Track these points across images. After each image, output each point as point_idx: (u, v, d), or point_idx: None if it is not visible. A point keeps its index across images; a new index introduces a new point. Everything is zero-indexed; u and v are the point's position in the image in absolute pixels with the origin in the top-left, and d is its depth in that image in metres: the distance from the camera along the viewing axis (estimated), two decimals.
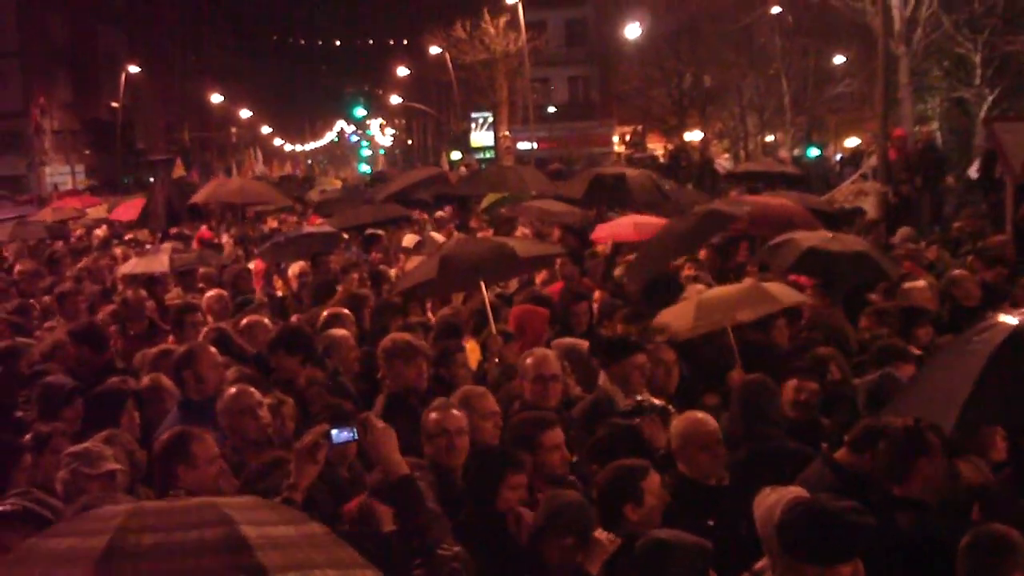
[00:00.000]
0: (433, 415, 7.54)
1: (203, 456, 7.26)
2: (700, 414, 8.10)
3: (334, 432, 5.92)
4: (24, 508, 6.62)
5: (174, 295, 15.87)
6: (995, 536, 6.18)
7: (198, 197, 26.13)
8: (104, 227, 27.03)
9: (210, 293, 14.80)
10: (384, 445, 5.95)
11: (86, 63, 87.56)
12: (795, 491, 6.53)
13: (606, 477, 7.14)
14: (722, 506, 7.50)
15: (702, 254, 15.89)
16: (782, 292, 11.19)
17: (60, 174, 72.33)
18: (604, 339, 10.97)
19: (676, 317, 10.96)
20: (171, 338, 12.55)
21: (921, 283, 13.35)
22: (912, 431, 7.10)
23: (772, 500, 6.38)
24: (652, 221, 17.80)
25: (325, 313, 12.54)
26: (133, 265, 16.84)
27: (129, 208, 27.76)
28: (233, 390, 8.67)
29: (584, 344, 11.12)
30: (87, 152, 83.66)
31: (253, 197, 26.25)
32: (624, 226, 17.97)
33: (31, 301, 16.26)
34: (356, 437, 5.95)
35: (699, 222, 14.34)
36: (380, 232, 21.92)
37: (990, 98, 39.92)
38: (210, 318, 13.68)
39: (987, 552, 6.10)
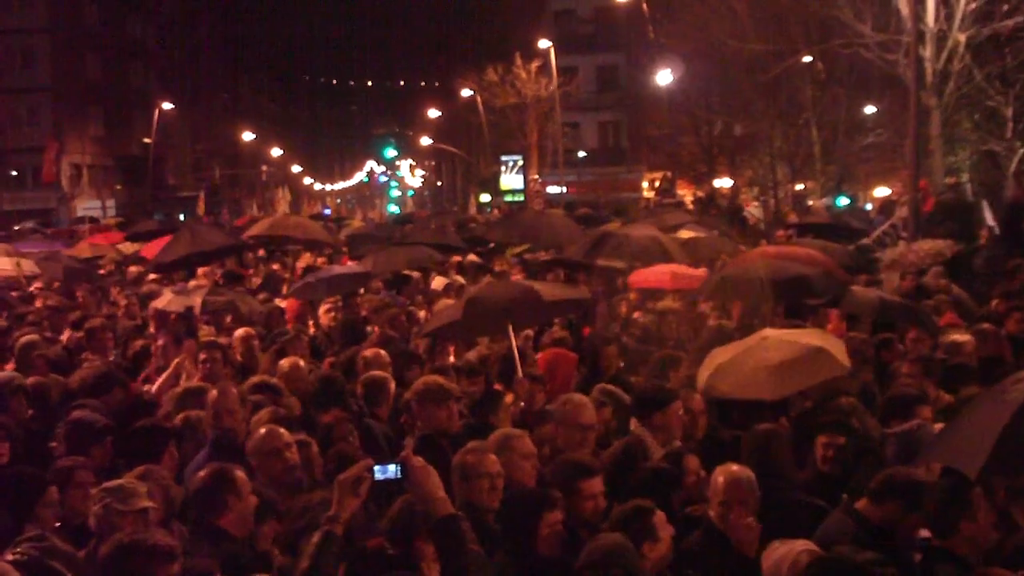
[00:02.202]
0: (471, 457, 7.61)
1: (246, 489, 7.42)
2: (736, 467, 8.10)
3: (377, 468, 5.94)
4: (30, 559, 6.69)
5: (205, 333, 15.93)
6: None
7: (255, 230, 26.21)
8: (135, 266, 27.11)
9: (238, 332, 14.87)
10: (427, 483, 5.97)
11: (118, 99, 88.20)
12: (803, 544, 6.55)
13: (618, 517, 7.19)
14: (744, 559, 7.50)
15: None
16: (842, 352, 10.73)
17: (91, 208, 72.78)
18: (642, 387, 10.95)
19: (748, 379, 10.59)
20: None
21: (968, 337, 13.31)
22: (958, 489, 7.10)
23: (780, 554, 6.41)
24: (690, 272, 17.93)
25: (369, 353, 12.60)
26: (167, 301, 16.89)
27: (158, 246, 27.80)
28: (263, 431, 8.78)
29: (626, 397, 11.05)
30: (118, 187, 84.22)
31: (310, 234, 26.42)
32: (660, 274, 18.05)
33: (60, 337, 16.38)
34: (400, 476, 5.96)
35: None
36: (414, 274, 22.01)
37: (1021, 151, 39.84)
38: (239, 356, 13.83)
39: None
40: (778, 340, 10.86)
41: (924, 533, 7.54)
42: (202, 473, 7.61)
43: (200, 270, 23.34)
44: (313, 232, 26.59)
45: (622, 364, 13.37)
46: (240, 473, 7.55)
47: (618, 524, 7.13)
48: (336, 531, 5.82)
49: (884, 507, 7.58)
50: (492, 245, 28.21)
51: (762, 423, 9.35)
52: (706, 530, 7.80)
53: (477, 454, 7.64)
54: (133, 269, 25.17)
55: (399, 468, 5.95)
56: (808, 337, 10.97)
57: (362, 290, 19.92)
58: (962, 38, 35.56)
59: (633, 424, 9.84)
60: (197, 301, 16.32)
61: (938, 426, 9.46)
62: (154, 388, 12.81)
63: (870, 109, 54.77)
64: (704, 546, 7.63)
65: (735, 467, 8.07)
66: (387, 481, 6.01)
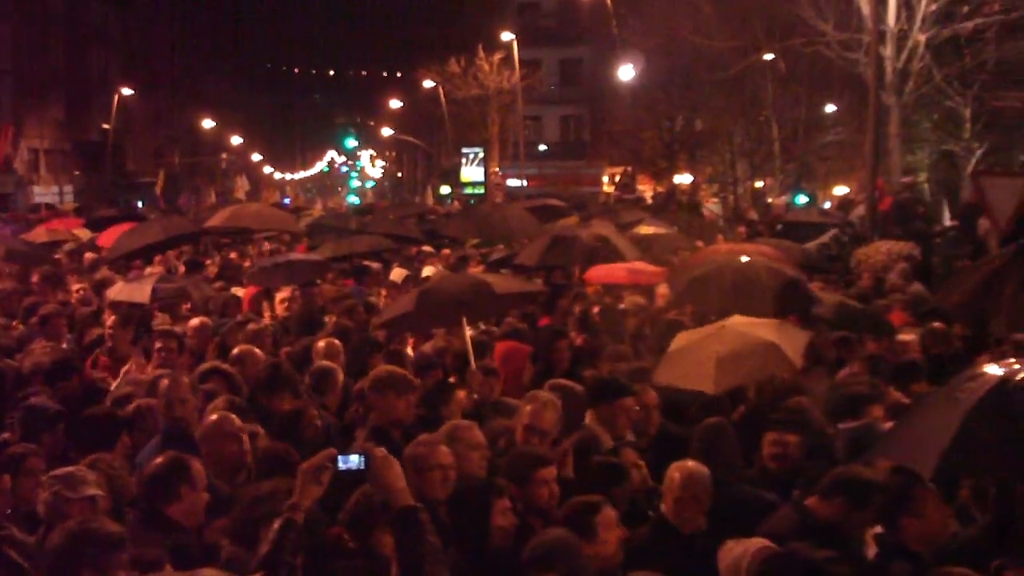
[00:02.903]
0: (422, 449, 7.61)
1: (200, 481, 7.43)
2: (692, 463, 8.15)
3: (340, 458, 5.94)
4: None
5: (160, 321, 15.85)
6: None
7: (214, 221, 26.05)
8: (91, 252, 26.88)
9: (193, 322, 14.82)
10: (388, 474, 5.97)
11: (79, 84, 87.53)
12: (759, 542, 6.59)
13: (564, 514, 7.22)
14: (695, 553, 7.54)
15: None
16: (796, 350, 10.79)
17: (49, 194, 72.23)
18: (594, 380, 10.99)
19: (693, 369, 10.67)
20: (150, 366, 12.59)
21: (913, 337, 13.48)
22: (900, 487, 7.17)
23: (738, 552, 6.44)
24: (647, 268, 18.01)
25: (321, 344, 12.57)
26: (118, 291, 16.81)
27: (114, 234, 27.54)
28: (215, 416, 8.79)
29: (579, 387, 11.10)
30: (77, 173, 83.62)
31: (271, 223, 26.25)
32: (617, 269, 18.14)
33: (14, 322, 16.27)
34: (363, 467, 5.95)
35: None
36: (374, 265, 21.99)
37: (978, 152, 40.20)
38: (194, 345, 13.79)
39: None
40: (733, 332, 10.91)
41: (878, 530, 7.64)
42: (157, 461, 7.59)
43: (156, 258, 23.22)
44: (271, 221, 26.44)
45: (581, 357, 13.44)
46: (196, 464, 7.55)
47: (564, 520, 7.17)
48: (297, 519, 5.81)
49: (832, 504, 7.64)
50: (447, 239, 28.18)
51: (711, 417, 9.40)
52: (657, 524, 7.84)
53: (429, 446, 7.64)
54: (89, 256, 24.96)
55: (362, 459, 5.95)
56: (766, 331, 10.93)
57: (320, 280, 19.86)
58: (922, 38, 35.84)
59: (588, 417, 9.90)
60: (147, 291, 16.25)
61: (888, 425, 9.53)
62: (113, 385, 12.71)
63: (830, 108, 55.04)
64: (654, 540, 7.67)
65: (691, 463, 8.13)
66: (349, 472, 6.04)
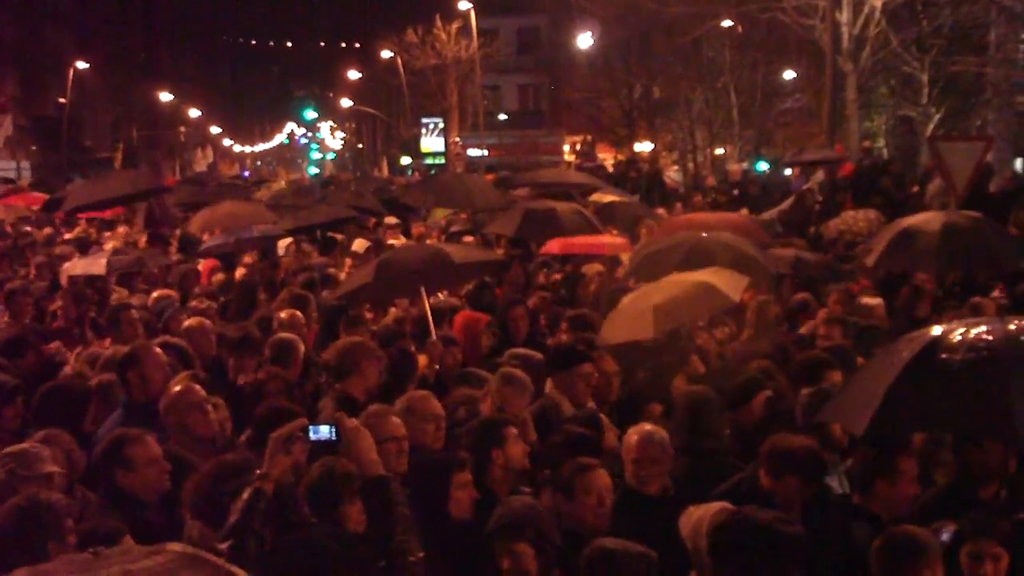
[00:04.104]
0: (374, 420, 7.29)
1: (142, 459, 7.26)
2: (650, 426, 8.17)
3: (311, 428, 5.91)
4: None
5: (119, 296, 15.76)
6: (906, 537, 6.30)
7: (192, 226, 25.65)
8: (48, 227, 26.73)
9: (156, 293, 14.71)
10: (360, 444, 5.95)
11: (33, 60, 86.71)
12: (719, 505, 6.61)
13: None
14: (661, 517, 7.55)
15: None
16: (731, 286, 10.89)
17: (5, 169, 71.59)
18: (552, 347, 10.99)
19: (632, 322, 10.83)
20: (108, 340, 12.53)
21: (878, 301, 13.58)
22: (883, 452, 7.22)
23: (698, 516, 6.45)
24: (605, 239, 18.20)
25: (283, 315, 12.53)
26: (72, 265, 16.75)
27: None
28: (179, 387, 8.68)
29: (538, 356, 11.11)
30: (33, 148, 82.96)
31: (245, 220, 25.98)
32: (577, 241, 18.29)
33: None
34: (333, 437, 5.93)
35: None
36: (338, 236, 21.93)
37: (936, 117, 40.38)
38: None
39: (896, 553, 6.21)
40: (669, 282, 11.10)
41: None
42: (110, 435, 7.53)
43: (121, 229, 23.12)
44: (248, 217, 25.94)
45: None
46: (149, 437, 7.42)
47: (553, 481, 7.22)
48: (267, 489, 5.79)
49: (771, 477, 7.65)
50: (409, 209, 28.10)
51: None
52: (620, 489, 7.83)
53: (379, 417, 7.44)
54: (47, 231, 24.84)
55: (333, 429, 5.93)
56: (701, 275, 11.07)
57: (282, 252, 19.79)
58: (878, 3, 35.95)
59: (548, 385, 9.92)
60: (102, 263, 16.16)
61: None
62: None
63: (789, 74, 55.16)
64: (618, 506, 7.62)
65: (648, 426, 8.15)
66: (319, 442, 6.01)
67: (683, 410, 8.89)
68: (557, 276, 17.57)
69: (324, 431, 5.90)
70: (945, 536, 6.64)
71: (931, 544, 6.24)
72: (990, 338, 6.49)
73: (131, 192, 23.65)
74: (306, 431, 5.89)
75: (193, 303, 14.10)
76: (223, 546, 5.61)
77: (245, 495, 5.76)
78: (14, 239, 24.45)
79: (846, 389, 7.67)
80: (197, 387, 8.66)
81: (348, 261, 18.85)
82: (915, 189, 28.14)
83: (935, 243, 13.72)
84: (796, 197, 26.45)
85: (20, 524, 6.19)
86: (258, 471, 5.88)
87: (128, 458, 7.22)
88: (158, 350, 9.81)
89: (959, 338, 6.51)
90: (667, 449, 7.96)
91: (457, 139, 74.69)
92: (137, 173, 26.47)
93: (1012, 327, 6.64)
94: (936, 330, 6.80)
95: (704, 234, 13.88)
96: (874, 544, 6.33)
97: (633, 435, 8.01)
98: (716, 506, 6.57)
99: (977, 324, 6.72)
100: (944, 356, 6.43)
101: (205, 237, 21.85)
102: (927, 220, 14.66)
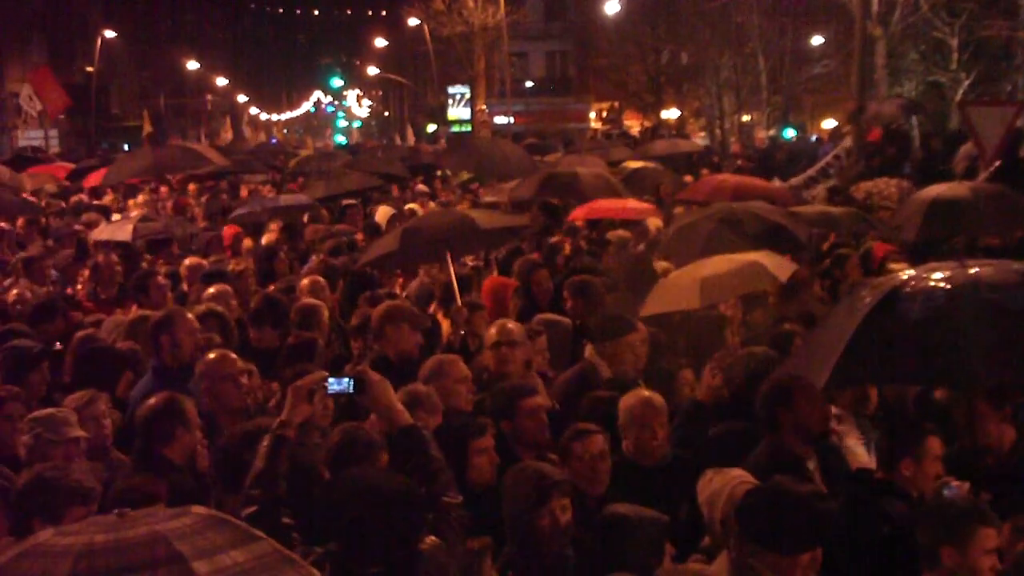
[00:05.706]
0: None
1: (194, 420, 7.38)
2: (647, 392, 8.13)
3: (331, 380, 5.92)
4: None
5: (148, 261, 15.81)
6: (954, 502, 6.29)
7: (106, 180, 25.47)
8: (79, 195, 26.76)
9: (187, 261, 14.79)
10: (385, 395, 5.96)
11: (61, 28, 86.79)
12: (738, 473, 6.55)
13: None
14: (661, 485, 7.48)
15: None
16: (779, 266, 10.86)
17: (33, 138, 71.71)
18: (603, 317, 10.94)
19: (679, 293, 10.82)
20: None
21: (903, 265, 13.51)
22: (910, 430, 7.20)
23: (717, 484, 6.40)
24: (635, 205, 18.14)
25: (305, 282, 12.52)
26: (100, 231, 16.82)
27: (98, 178, 27.35)
28: (214, 355, 8.66)
29: (566, 321, 11.08)
30: (61, 117, 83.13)
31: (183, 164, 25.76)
32: (603, 206, 18.26)
33: None
34: (352, 390, 5.94)
35: None
36: (354, 202, 21.90)
37: (966, 82, 40.09)
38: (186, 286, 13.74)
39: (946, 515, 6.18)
40: (718, 258, 11.03)
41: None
42: (151, 401, 7.50)
43: (140, 198, 23.14)
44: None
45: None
46: (190, 404, 7.47)
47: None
48: (288, 435, 5.80)
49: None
50: (440, 173, 28.05)
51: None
52: (616, 457, 7.69)
53: (452, 364, 7.79)
54: (74, 199, 24.88)
55: (351, 382, 5.94)
56: (751, 255, 11.03)
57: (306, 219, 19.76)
58: None
59: (588, 351, 9.90)
60: (128, 229, 16.22)
61: None
62: None
63: (817, 39, 54.80)
64: (616, 472, 7.50)
65: (645, 392, 8.13)
66: (340, 394, 6.03)
67: (744, 373, 8.68)
68: (582, 243, 17.49)
69: (344, 383, 5.92)
70: (947, 492, 6.63)
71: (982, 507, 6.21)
72: (947, 286, 6.50)
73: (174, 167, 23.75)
74: (326, 383, 5.90)
75: (231, 265, 14.14)
76: (254, 492, 5.64)
77: (266, 441, 5.77)
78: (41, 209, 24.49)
79: (810, 341, 7.65)
80: (233, 356, 8.65)
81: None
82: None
83: (971, 205, 14.11)
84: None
85: (35, 495, 6.22)
86: (279, 418, 5.90)
87: (187, 417, 7.32)
88: (190, 315, 9.81)
89: (917, 286, 6.54)
90: (663, 416, 7.90)
91: (484, 107, 74.40)
92: (182, 150, 26.27)
93: (972, 271, 6.62)
94: (895, 279, 6.79)
95: (733, 204, 13.85)
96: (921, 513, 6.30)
97: (630, 398, 7.99)
98: (735, 473, 6.53)
99: (936, 270, 6.72)
100: (903, 306, 6.44)
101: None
102: (953, 187, 15.13)
